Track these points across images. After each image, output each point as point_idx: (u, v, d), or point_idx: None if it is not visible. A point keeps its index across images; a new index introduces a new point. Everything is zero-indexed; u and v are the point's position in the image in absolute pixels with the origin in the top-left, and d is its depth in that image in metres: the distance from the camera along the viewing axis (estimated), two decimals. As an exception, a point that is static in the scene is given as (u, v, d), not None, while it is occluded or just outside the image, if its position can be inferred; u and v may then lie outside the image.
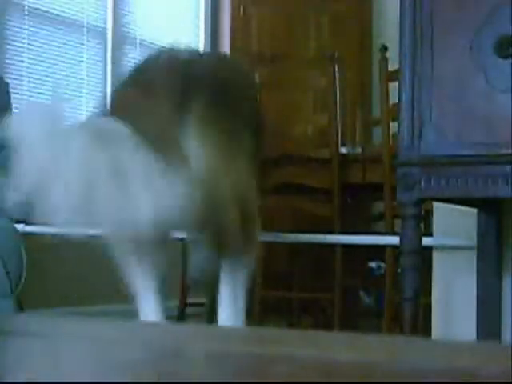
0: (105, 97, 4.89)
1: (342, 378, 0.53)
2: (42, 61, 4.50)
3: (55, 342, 0.64)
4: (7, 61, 4.32)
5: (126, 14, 5.10)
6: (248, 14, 5.75)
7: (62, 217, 1.73)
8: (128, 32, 5.11)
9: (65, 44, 4.65)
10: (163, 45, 5.30)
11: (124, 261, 2.16)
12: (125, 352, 0.62)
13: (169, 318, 2.45)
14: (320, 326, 4.06)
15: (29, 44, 4.44)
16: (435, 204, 2.56)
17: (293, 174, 3.72)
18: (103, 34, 4.93)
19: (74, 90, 4.70)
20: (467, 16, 1.97)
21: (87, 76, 4.79)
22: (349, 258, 3.77)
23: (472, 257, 2.47)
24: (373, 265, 4.57)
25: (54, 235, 3.47)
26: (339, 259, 3.69)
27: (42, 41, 4.51)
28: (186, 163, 1.94)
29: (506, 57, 1.92)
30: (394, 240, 2.60)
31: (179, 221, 1.94)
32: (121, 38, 5.05)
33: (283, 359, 0.55)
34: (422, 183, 2.00)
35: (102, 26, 4.93)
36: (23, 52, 4.40)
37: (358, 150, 4.37)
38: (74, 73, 4.70)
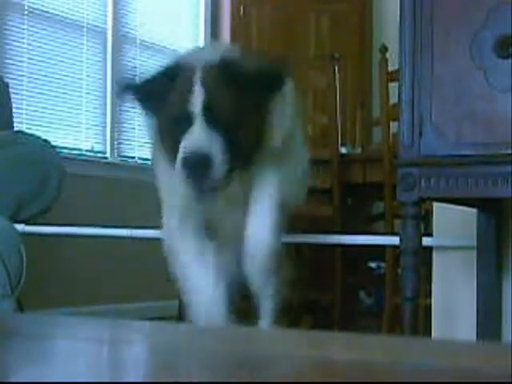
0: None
1: (342, 378, 0.53)
2: (41, 61, 4.50)
3: (55, 342, 0.64)
4: (7, 61, 4.32)
5: (125, 14, 5.10)
6: (248, 14, 5.75)
7: None
8: (128, 32, 5.11)
9: (65, 44, 4.65)
10: (163, 45, 5.31)
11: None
12: (125, 352, 0.62)
13: (169, 318, 2.43)
14: (320, 326, 4.06)
15: (29, 44, 4.44)
16: (435, 204, 2.56)
17: (293, 174, 3.71)
18: (103, 34, 4.93)
19: (73, 90, 4.70)
20: (467, 16, 1.97)
21: (87, 76, 4.79)
22: (349, 258, 3.77)
23: (472, 257, 2.47)
24: (373, 265, 4.57)
25: (53, 235, 3.47)
26: (339, 259, 3.69)
27: (42, 41, 4.51)
28: None
29: (506, 57, 1.92)
30: (394, 240, 2.60)
31: None
32: (121, 38, 5.05)
33: (283, 359, 0.55)
34: (422, 183, 2.00)
35: (102, 25, 4.93)
36: (23, 52, 4.40)
37: (358, 150, 4.37)
38: (73, 73, 4.70)
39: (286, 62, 2.24)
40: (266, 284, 2.33)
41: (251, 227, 2.18)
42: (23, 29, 4.41)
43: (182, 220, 2.24)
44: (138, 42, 5.17)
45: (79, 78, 4.73)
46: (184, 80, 2.04)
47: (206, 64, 2.06)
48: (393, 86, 3.23)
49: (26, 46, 4.42)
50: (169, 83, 2.06)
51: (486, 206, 2.42)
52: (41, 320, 0.73)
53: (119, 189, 4.75)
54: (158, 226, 2.30)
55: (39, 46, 4.49)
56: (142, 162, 5.02)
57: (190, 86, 2.02)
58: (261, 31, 5.77)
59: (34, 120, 4.44)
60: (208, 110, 2.00)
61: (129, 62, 5.09)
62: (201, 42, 5.70)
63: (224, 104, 2.02)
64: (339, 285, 3.71)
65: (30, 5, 4.46)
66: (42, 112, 4.50)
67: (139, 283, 4.69)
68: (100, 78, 4.88)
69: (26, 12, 4.43)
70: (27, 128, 4.23)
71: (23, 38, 4.41)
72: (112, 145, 4.92)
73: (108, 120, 4.91)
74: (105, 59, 4.92)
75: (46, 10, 4.54)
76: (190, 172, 1.98)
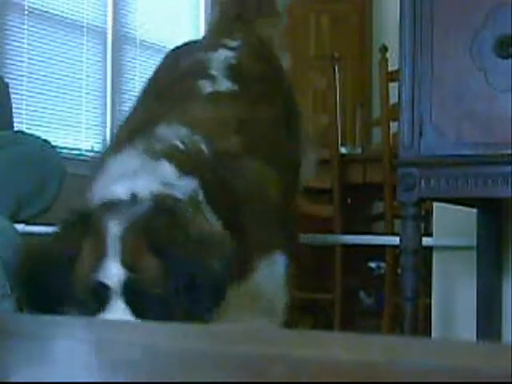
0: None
1: (342, 377, 0.53)
2: (41, 61, 4.50)
3: (55, 342, 0.64)
4: (7, 61, 4.32)
5: (126, 14, 5.10)
6: (248, 14, 5.74)
7: None
8: (128, 32, 5.11)
9: (65, 44, 4.65)
10: (163, 45, 5.30)
11: None
12: (124, 352, 0.62)
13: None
14: (320, 326, 4.06)
15: (29, 44, 4.43)
16: (435, 204, 2.56)
17: (293, 174, 3.71)
18: (103, 33, 4.93)
19: (73, 90, 4.70)
20: (467, 16, 1.97)
21: (87, 76, 4.79)
22: (349, 258, 3.77)
23: (472, 257, 2.47)
24: (373, 265, 4.57)
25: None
26: (339, 259, 3.68)
27: (42, 41, 4.51)
28: None
29: (506, 57, 1.92)
30: (394, 240, 2.60)
31: None
32: (121, 38, 5.05)
33: (283, 359, 0.55)
34: (422, 183, 2.00)
35: (102, 25, 4.93)
36: (23, 52, 4.40)
37: (358, 150, 4.37)
38: (73, 73, 4.70)
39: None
40: None
41: None
42: (23, 29, 4.41)
43: None
44: (138, 42, 5.17)
45: (79, 78, 4.73)
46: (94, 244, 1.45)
47: (127, 220, 1.44)
48: (393, 86, 3.23)
49: (26, 45, 4.42)
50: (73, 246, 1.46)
51: (486, 206, 2.42)
52: (41, 320, 0.73)
53: (119, 189, 4.74)
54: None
55: (39, 46, 4.49)
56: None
57: (102, 252, 1.43)
58: (261, 31, 5.76)
59: (34, 120, 4.44)
60: (128, 288, 1.42)
61: (129, 62, 5.09)
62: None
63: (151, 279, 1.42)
64: (339, 285, 3.70)
65: (30, 5, 4.46)
66: (42, 112, 4.50)
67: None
68: (100, 78, 4.88)
69: (26, 12, 4.43)
70: (27, 128, 4.23)
71: (23, 38, 4.41)
72: (112, 145, 4.92)
73: (108, 120, 4.91)
74: (105, 59, 4.92)
75: (45, 10, 4.54)
76: None
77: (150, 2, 5.27)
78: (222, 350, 0.58)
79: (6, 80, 3.56)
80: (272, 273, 1.74)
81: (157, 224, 1.44)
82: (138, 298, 1.42)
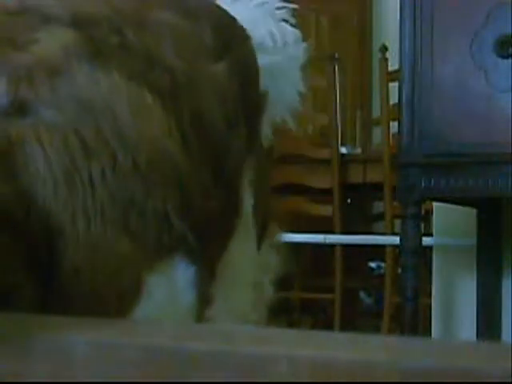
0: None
1: (342, 377, 0.53)
2: (41, 61, 4.50)
3: (55, 342, 0.64)
4: (7, 61, 4.32)
5: (125, 14, 5.11)
6: (248, 14, 5.74)
7: None
8: (128, 32, 5.11)
9: (65, 44, 4.65)
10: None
11: None
12: (124, 352, 0.62)
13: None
14: (320, 326, 4.06)
15: (29, 44, 4.44)
16: (435, 204, 2.56)
17: (293, 174, 3.72)
18: (103, 34, 4.94)
19: (73, 90, 4.70)
20: (467, 16, 1.97)
21: (87, 76, 4.79)
22: (349, 258, 3.77)
23: (472, 257, 2.47)
24: (373, 265, 4.57)
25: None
26: (339, 259, 3.69)
27: (42, 41, 4.52)
28: None
29: (506, 57, 1.93)
30: (394, 240, 2.60)
31: None
32: (121, 38, 5.05)
33: (283, 359, 0.55)
34: (422, 183, 2.00)
35: (102, 26, 4.93)
36: (23, 52, 4.41)
37: (358, 150, 4.37)
38: (73, 73, 4.70)
39: None
40: None
41: None
42: (23, 29, 4.42)
43: None
44: (138, 42, 5.18)
45: (79, 78, 4.73)
46: None
47: None
48: (393, 86, 3.23)
49: (26, 46, 4.42)
50: None
51: (486, 206, 2.42)
52: (41, 320, 0.73)
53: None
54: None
55: (39, 46, 4.50)
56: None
57: None
58: (261, 31, 5.76)
59: (34, 120, 4.44)
60: None
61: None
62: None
63: None
64: (339, 285, 3.70)
65: (30, 5, 4.46)
66: (42, 112, 4.50)
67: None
68: (100, 78, 4.88)
69: (25, 12, 4.44)
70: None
71: (23, 38, 4.41)
72: (112, 145, 4.92)
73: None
74: (105, 59, 4.92)
75: (45, 10, 4.55)
76: None
77: (149, 2, 5.27)
78: (222, 350, 0.58)
79: (6, 80, 3.56)
80: None
81: None
82: None
